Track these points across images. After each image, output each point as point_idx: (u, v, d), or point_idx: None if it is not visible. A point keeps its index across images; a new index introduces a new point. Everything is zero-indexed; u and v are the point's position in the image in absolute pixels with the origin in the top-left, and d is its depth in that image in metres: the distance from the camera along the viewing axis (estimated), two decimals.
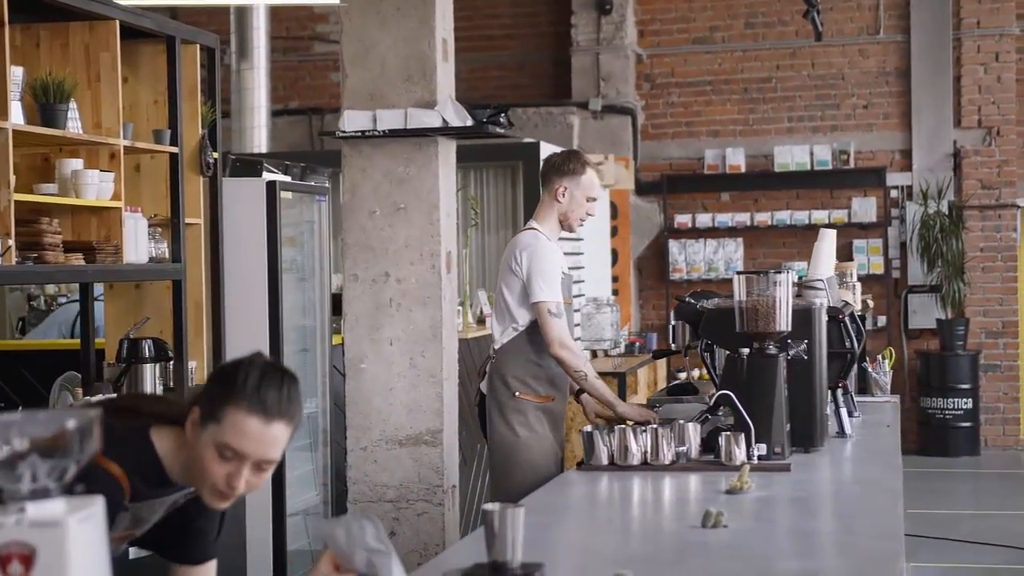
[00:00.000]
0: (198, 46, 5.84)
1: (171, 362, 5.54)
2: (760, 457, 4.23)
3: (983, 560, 8.18)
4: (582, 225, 5.39)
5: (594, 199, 5.29)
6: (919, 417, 12.35)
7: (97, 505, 1.79)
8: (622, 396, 9.27)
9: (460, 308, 8.30)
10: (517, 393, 5.15)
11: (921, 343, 12.62)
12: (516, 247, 5.19)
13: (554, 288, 5.08)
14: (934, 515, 9.52)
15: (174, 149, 5.54)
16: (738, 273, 4.44)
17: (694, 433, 4.32)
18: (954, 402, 12.15)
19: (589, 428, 4.35)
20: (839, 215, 12.52)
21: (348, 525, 2.52)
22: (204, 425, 2.57)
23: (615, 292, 12.22)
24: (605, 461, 4.25)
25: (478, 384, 5.43)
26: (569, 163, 5.26)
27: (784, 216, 12.66)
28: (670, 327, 5.21)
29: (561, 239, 9.23)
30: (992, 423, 12.49)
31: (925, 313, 12.51)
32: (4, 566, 1.70)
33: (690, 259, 12.85)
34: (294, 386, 2.61)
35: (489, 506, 2.75)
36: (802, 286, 5.13)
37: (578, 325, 9.82)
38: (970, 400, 12.17)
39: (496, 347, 5.23)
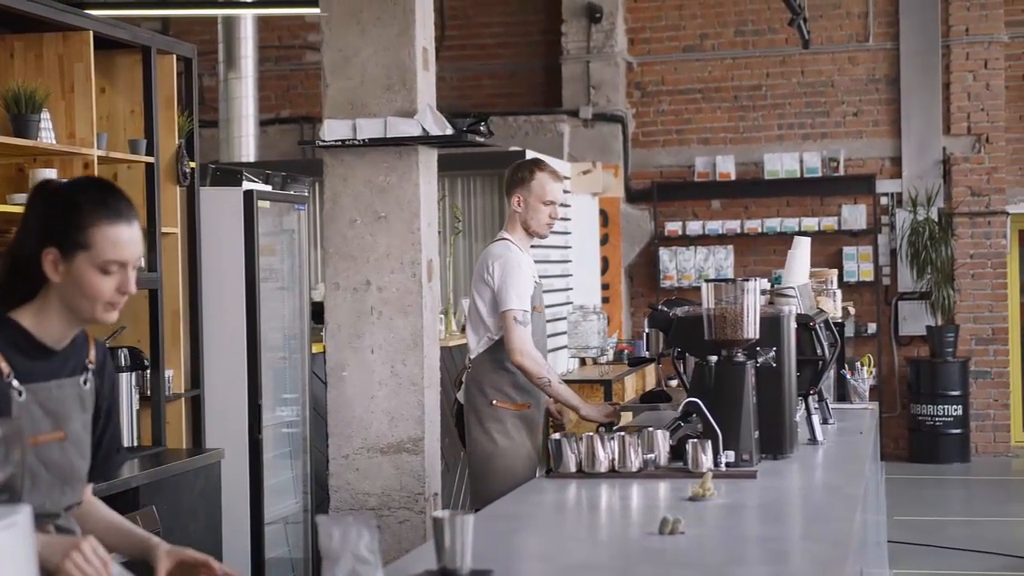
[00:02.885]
0: (175, 56, 5.86)
1: (147, 371, 5.55)
2: (728, 464, 4.24)
3: (971, 567, 8.18)
4: (551, 228, 5.45)
5: (551, 202, 5.36)
6: (909, 424, 12.36)
7: (22, 514, 1.81)
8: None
9: (443, 316, 8.32)
10: (494, 401, 5.25)
11: (911, 350, 12.64)
12: (488, 257, 5.30)
13: (523, 298, 5.17)
14: (923, 522, 9.52)
15: (150, 159, 5.56)
16: (706, 281, 4.46)
17: (663, 440, 4.33)
18: (944, 409, 12.15)
19: (557, 436, 4.37)
20: (829, 222, 12.53)
21: (347, 527, 2.55)
22: (71, 257, 2.67)
23: (606, 300, 12.24)
24: (573, 468, 4.27)
25: (454, 394, 5.47)
26: (518, 172, 5.39)
27: (774, 223, 12.67)
28: (644, 335, 5.24)
29: (546, 247, 9.26)
30: (982, 430, 12.50)
31: (915, 320, 12.52)
32: None
33: (681, 267, 12.87)
34: (119, 188, 2.78)
35: (438, 514, 2.77)
36: (774, 293, 5.14)
37: (563, 333, 9.84)
38: (960, 407, 12.18)
39: (472, 356, 5.33)
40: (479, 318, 5.31)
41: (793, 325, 4.67)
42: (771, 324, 4.53)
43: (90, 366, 2.82)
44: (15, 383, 2.65)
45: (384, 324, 5.67)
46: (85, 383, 2.80)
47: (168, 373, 5.72)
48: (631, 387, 9.88)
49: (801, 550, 3.18)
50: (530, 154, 9.93)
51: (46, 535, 2.62)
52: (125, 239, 2.69)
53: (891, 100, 12.69)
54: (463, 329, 8.21)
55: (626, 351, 11.09)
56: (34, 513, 2.48)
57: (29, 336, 2.70)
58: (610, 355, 10.52)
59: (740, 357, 4.39)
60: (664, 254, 12.87)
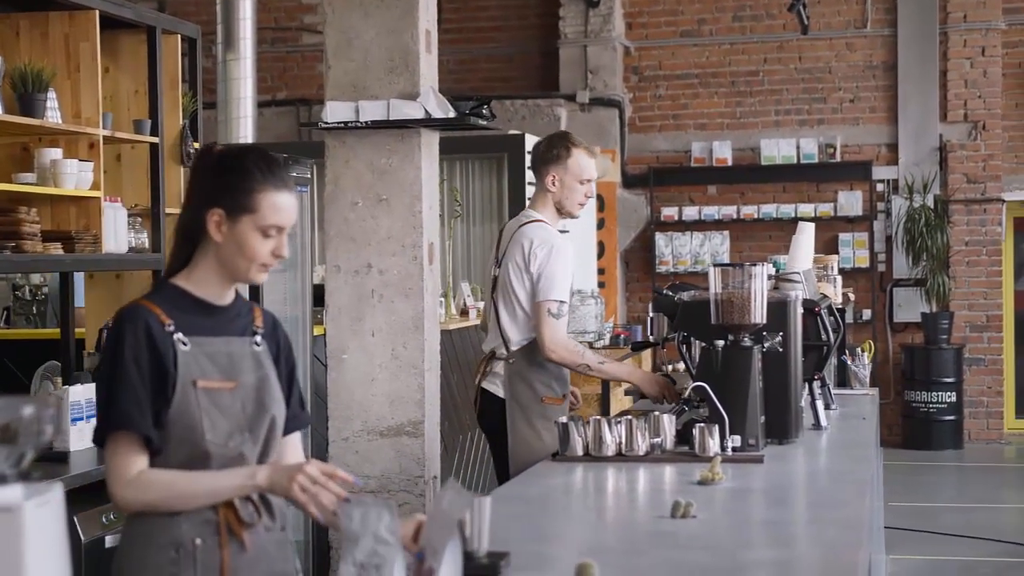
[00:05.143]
0: (179, 36, 5.84)
1: None
2: (734, 449, 4.24)
3: (966, 553, 8.21)
4: (583, 208, 5.21)
5: (587, 180, 5.10)
6: (903, 410, 12.39)
7: (55, 492, 1.81)
8: (605, 387, 9.27)
9: (443, 299, 8.31)
10: (544, 398, 5.03)
11: (906, 336, 12.66)
12: (528, 242, 5.01)
13: (563, 290, 4.94)
14: (917, 508, 9.56)
15: (154, 139, 5.54)
16: (714, 265, 4.45)
17: (669, 425, 4.33)
18: (938, 395, 12.19)
19: (564, 419, 4.37)
20: (825, 208, 12.55)
21: (367, 508, 2.56)
22: (236, 220, 2.81)
23: (602, 284, 12.24)
24: (580, 452, 4.27)
25: (476, 381, 5.23)
26: (553, 149, 5.11)
27: (770, 209, 12.69)
28: (648, 319, 5.20)
29: None
30: (976, 416, 12.53)
31: (910, 307, 12.55)
32: None
33: (677, 252, 12.88)
34: (280, 159, 2.94)
35: None
36: (779, 279, 5.14)
37: None
38: (954, 394, 12.21)
39: (512, 348, 5.05)
40: (518, 307, 5.03)
41: (800, 310, 4.67)
42: (778, 309, 4.53)
43: (259, 330, 2.94)
44: (179, 335, 2.79)
45: (385, 307, 5.67)
46: (256, 345, 2.92)
47: None
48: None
49: (814, 534, 3.19)
50: (531, 139, 9.94)
51: (271, 466, 2.81)
52: (287, 206, 2.84)
53: (888, 87, 12.70)
54: (463, 313, 8.22)
55: (623, 336, 11.11)
56: (216, 453, 2.78)
57: (188, 295, 2.86)
58: (607, 340, 10.53)
59: (747, 342, 4.39)
60: (660, 239, 12.87)
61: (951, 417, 12.23)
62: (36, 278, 8.52)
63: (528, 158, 9.82)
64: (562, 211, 5.15)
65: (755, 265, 4.41)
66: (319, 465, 2.75)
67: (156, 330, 2.78)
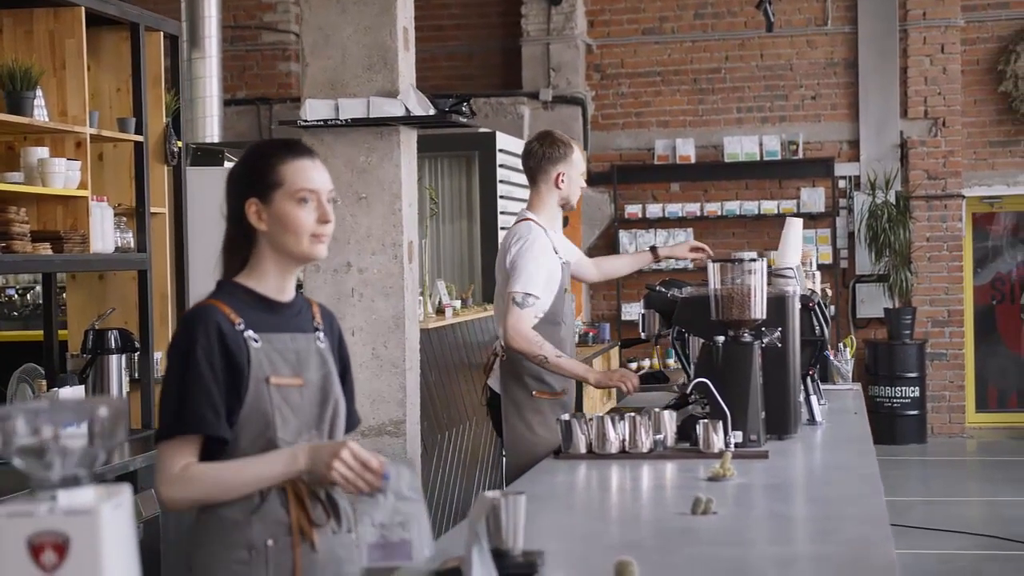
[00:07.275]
0: (161, 34, 5.77)
1: (137, 353, 5.48)
2: (736, 444, 4.25)
3: (934, 546, 8.27)
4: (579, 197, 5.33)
5: (583, 172, 5.26)
6: (867, 405, 12.42)
7: (125, 495, 1.77)
8: (579, 385, 9.26)
9: (420, 298, 8.28)
10: (535, 392, 5.06)
11: (869, 332, 12.75)
12: (510, 239, 5.10)
13: (529, 281, 4.97)
14: (885, 502, 9.61)
15: (139, 138, 5.47)
16: (713, 261, 4.45)
17: (670, 421, 4.33)
18: (901, 390, 12.27)
19: (567, 416, 4.36)
20: (788, 205, 12.60)
21: (387, 468, 2.56)
22: (270, 200, 2.81)
23: None
24: (583, 450, 4.26)
25: (484, 380, 5.26)
26: (558, 148, 5.17)
27: (734, 206, 12.73)
28: (640, 315, 5.18)
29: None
30: (938, 411, 12.64)
31: (873, 302, 12.63)
32: (37, 555, 1.67)
33: (641, 249, 12.88)
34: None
35: (491, 494, 2.74)
36: (772, 274, 5.15)
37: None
38: (917, 388, 12.30)
39: (504, 344, 5.07)
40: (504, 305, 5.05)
41: (797, 305, 4.69)
42: (776, 304, 4.53)
43: (319, 326, 2.92)
44: (249, 332, 2.78)
45: (365, 306, 5.64)
46: (320, 342, 2.90)
47: (156, 355, 5.64)
48: (598, 369, 9.90)
49: (842, 530, 3.18)
50: (502, 137, 9.92)
51: (310, 449, 2.75)
52: (312, 170, 2.83)
53: (849, 84, 12.78)
54: (439, 311, 8.19)
55: (591, 334, 11.13)
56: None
57: (251, 292, 2.84)
58: (576, 338, 10.52)
59: (747, 337, 4.40)
60: (624, 236, 12.89)
61: (914, 412, 12.32)
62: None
63: (500, 156, 9.80)
64: (566, 206, 5.23)
65: (755, 260, 4.41)
66: (355, 449, 2.69)
67: (227, 328, 2.76)
